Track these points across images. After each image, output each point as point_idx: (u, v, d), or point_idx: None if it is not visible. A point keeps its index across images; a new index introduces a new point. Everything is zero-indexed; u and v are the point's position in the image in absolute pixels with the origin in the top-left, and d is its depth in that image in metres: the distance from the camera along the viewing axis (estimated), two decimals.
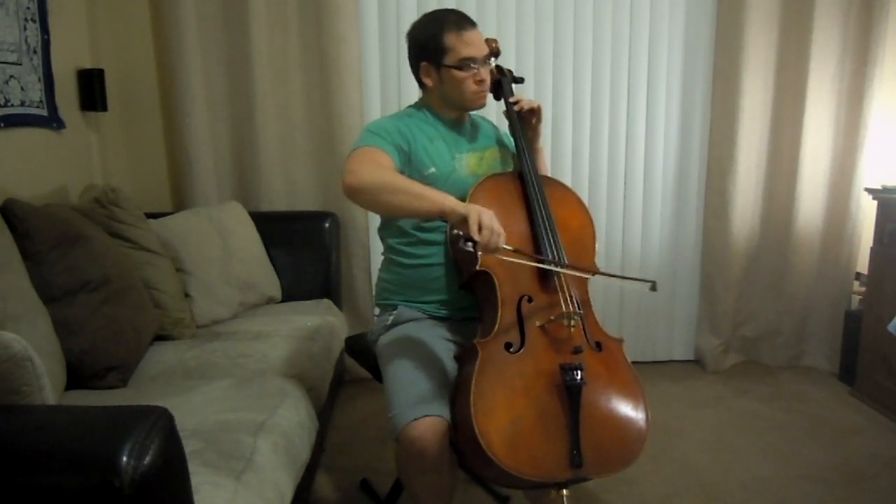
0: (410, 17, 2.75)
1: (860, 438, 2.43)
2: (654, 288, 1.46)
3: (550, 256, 1.52)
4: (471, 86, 1.63)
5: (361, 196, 1.46)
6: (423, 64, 1.66)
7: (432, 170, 1.63)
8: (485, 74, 1.65)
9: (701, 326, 3.13)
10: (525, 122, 1.75)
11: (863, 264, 2.89)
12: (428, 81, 1.67)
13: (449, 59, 1.61)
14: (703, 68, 2.94)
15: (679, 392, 2.86)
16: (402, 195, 1.42)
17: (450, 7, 2.74)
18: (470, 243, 1.30)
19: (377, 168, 1.49)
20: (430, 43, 1.63)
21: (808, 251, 3.00)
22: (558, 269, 1.51)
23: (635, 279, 1.56)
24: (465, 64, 1.61)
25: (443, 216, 1.39)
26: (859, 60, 2.82)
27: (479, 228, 1.30)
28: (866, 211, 2.88)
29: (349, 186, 1.45)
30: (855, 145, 2.87)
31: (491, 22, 2.82)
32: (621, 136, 2.98)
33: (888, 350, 2.57)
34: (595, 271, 1.59)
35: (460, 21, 1.62)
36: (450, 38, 1.60)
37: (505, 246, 1.34)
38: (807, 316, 3.08)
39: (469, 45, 1.61)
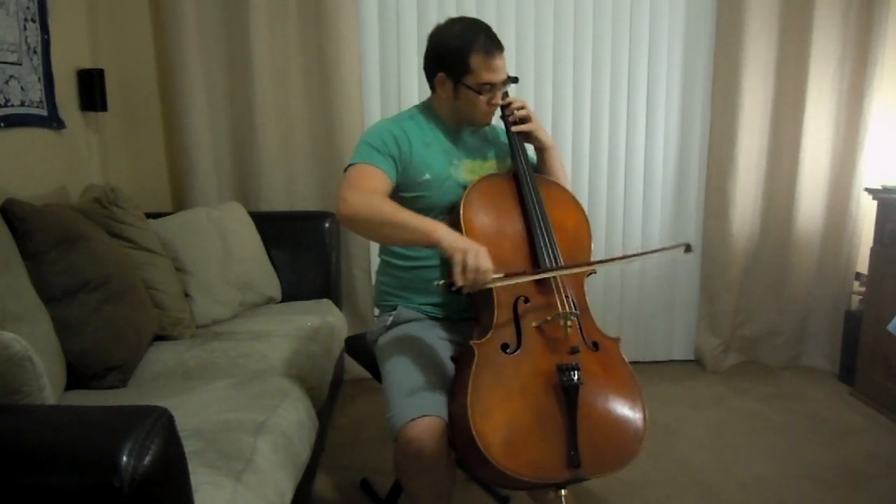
0: (410, 17, 2.77)
1: (860, 438, 2.43)
2: (688, 249, 1.53)
3: (546, 258, 1.52)
4: (484, 107, 1.64)
5: (352, 225, 1.50)
6: (441, 74, 1.64)
7: (427, 176, 1.63)
8: (499, 98, 1.65)
9: (701, 326, 3.13)
10: (524, 135, 1.73)
11: (863, 264, 2.89)
12: (441, 92, 1.66)
13: (470, 80, 1.60)
14: (703, 68, 2.94)
15: (679, 392, 2.86)
16: (392, 228, 1.45)
17: (450, 8, 2.75)
18: (454, 288, 1.31)
19: (370, 196, 1.50)
20: (453, 57, 1.60)
21: (808, 251, 3.00)
22: (554, 274, 1.51)
23: (664, 249, 1.66)
24: (484, 88, 1.61)
25: (432, 247, 1.41)
26: (859, 61, 2.82)
27: (464, 270, 1.30)
28: (866, 211, 2.88)
29: (342, 216, 1.49)
30: (855, 145, 2.87)
31: (491, 22, 2.78)
32: (621, 136, 2.98)
33: (888, 350, 2.57)
34: (592, 263, 1.60)
35: (489, 45, 1.59)
36: (476, 61, 1.58)
37: (494, 276, 1.35)
38: (807, 316, 3.08)
39: (494, 71, 1.60)
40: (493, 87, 1.61)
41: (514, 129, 1.70)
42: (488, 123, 1.70)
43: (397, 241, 1.54)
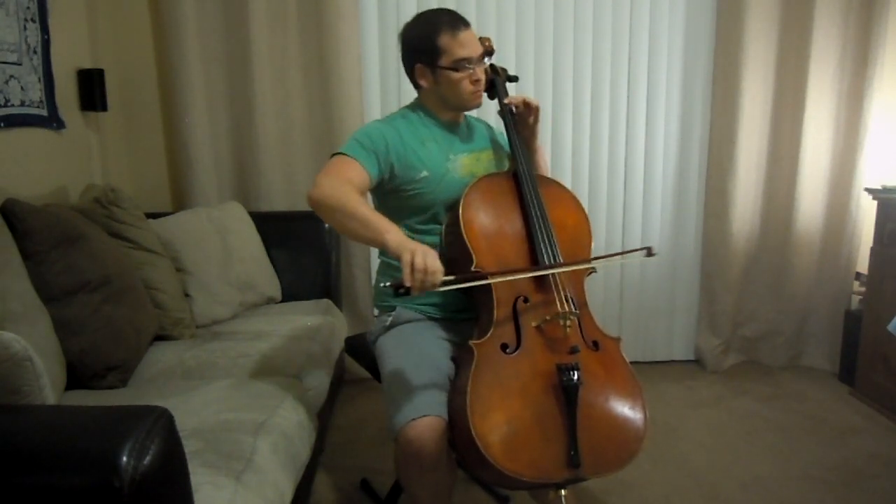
0: (410, 17, 2.76)
1: (860, 438, 2.43)
2: (650, 254, 1.51)
3: (546, 257, 1.52)
4: (467, 86, 1.63)
5: (317, 210, 1.49)
6: (418, 66, 1.66)
7: (424, 173, 1.63)
8: (480, 74, 1.65)
9: (701, 326, 3.13)
10: (522, 120, 1.74)
11: (863, 264, 2.89)
12: (423, 83, 1.67)
13: (444, 61, 1.61)
14: (703, 68, 2.94)
15: (679, 392, 2.86)
16: (351, 220, 1.43)
17: (449, 7, 2.75)
18: (402, 289, 1.28)
19: (340, 185, 1.48)
20: (423, 45, 1.63)
21: (808, 251, 3.00)
22: (529, 275, 1.50)
23: (629, 251, 1.59)
24: (460, 65, 1.61)
25: (381, 247, 1.39)
26: (859, 60, 2.82)
27: (413, 270, 1.28)
28: (866, 211, 2.88)
29: (310, 199, 1.48)
30: (855, 145, 2.87)
31: (490, 21, 2.82)
32: (621, 135, 2.98)
33: (888, 350, 2.57)
34: (586, 260, 1.59)
35: (454, 22, 1.62)
36: (444, 40, 1.60)
37: (444, 278, 1.31)
38: (807, 316, 3.08)
39: (464, 45, 1.61)
40: (468, 62, 1.61)
41: (517, 102, 1.70)
42: (478, 104, 1.69)
43: (353, 235, 1.49)
